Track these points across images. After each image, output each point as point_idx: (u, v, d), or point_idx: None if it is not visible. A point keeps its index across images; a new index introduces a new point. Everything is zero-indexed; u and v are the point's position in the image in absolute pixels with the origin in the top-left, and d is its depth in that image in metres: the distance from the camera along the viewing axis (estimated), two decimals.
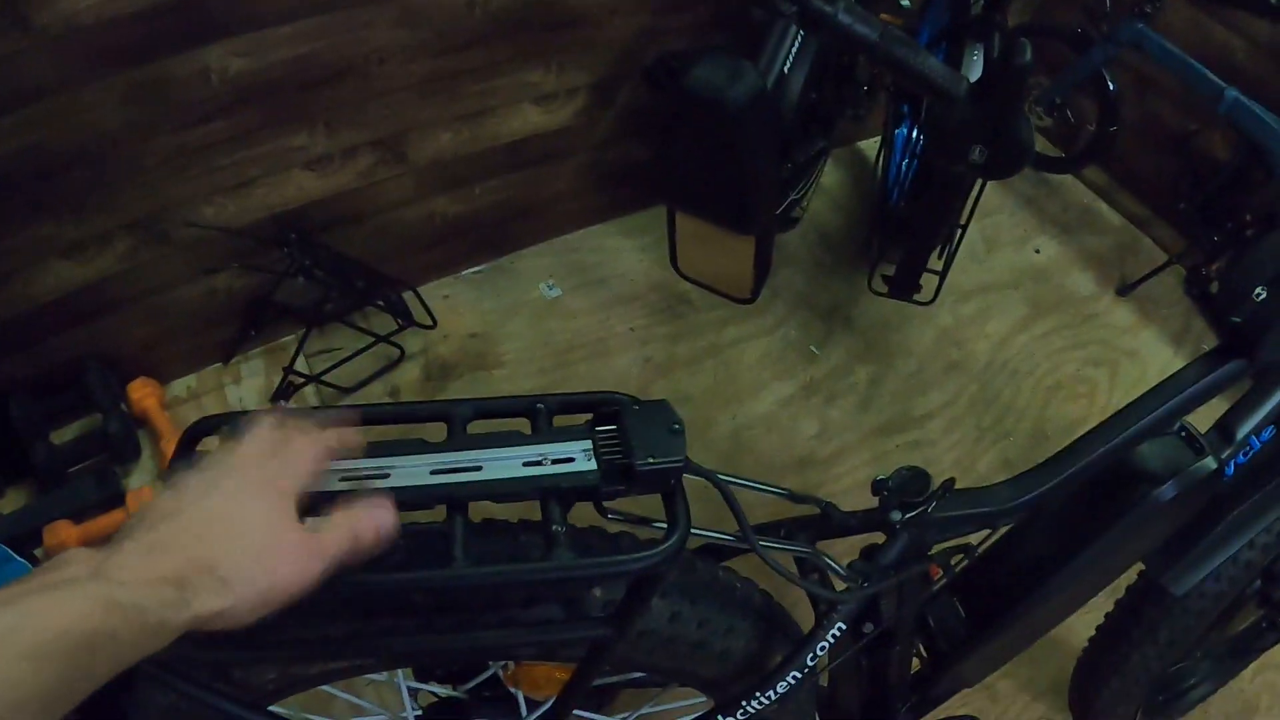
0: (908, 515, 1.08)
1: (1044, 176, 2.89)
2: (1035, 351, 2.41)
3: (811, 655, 1.10)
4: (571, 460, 0.78)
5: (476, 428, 0.83)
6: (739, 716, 1.12)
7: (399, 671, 1.19)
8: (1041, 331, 2.46)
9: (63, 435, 2.05)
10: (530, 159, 2.36)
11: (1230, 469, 1.24)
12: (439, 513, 0.77)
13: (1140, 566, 1.46)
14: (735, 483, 0.97)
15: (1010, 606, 1.34)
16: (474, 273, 2.45)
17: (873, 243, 2.40)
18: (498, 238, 2.49)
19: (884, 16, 2.18)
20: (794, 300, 2.45)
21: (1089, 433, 1.18)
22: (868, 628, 1.18)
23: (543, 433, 0.82)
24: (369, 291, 2.20)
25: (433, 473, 0.76)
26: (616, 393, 0.87)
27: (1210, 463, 1.20)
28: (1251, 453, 1.27)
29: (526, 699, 1.24)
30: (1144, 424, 1.16)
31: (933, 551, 1.17)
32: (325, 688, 1.05)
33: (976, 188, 2.12)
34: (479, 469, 0.77)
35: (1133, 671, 1.63)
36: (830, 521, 1.11)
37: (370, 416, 0.81)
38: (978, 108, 1.89)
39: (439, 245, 2.38)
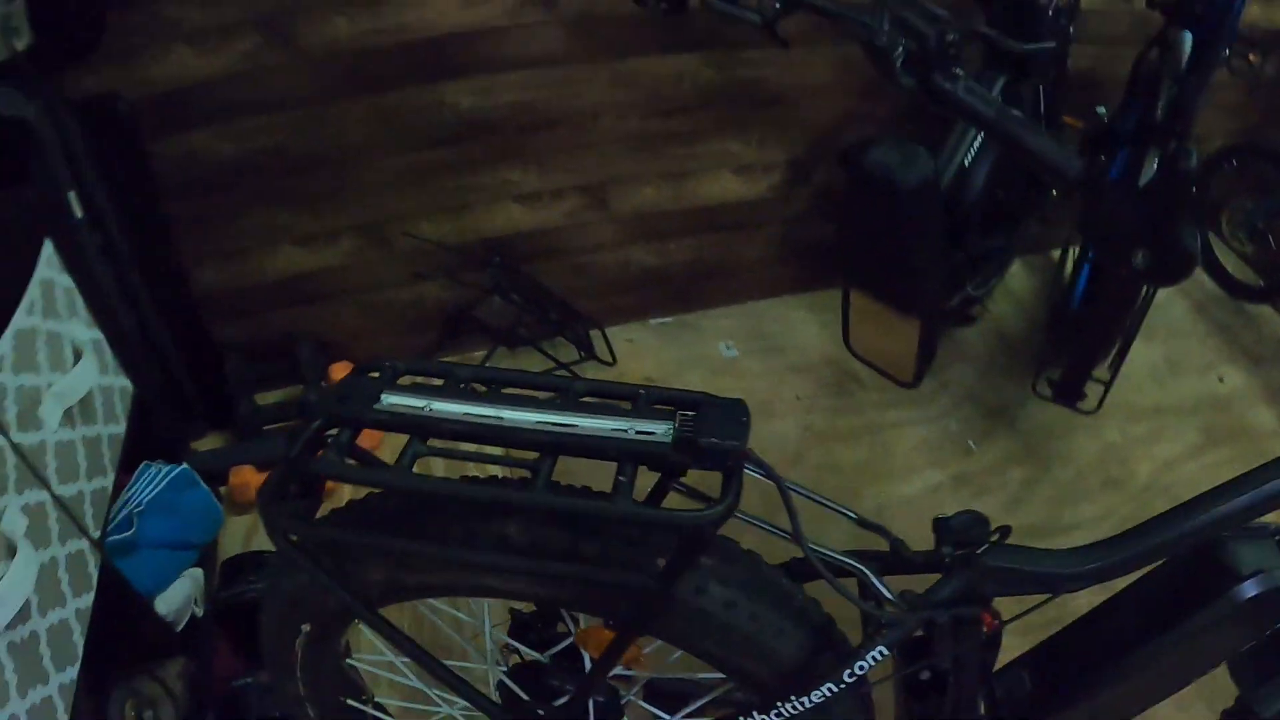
0: (958, 553, 1.18)
1: (1241, 305, 2.85)
2: (1201, 481, 2.38)
3: (850, 672, 1.15)
4: (652, 434, 0.94)
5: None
6: (772, 716, 1.20)
7: (489, 630, 1.40)
8: (1212, 461, 2.45)
9: (266, 398, 2.40)
10: (724, 224, 2.60)
11: None
12: None
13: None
14: (800, 491, 1.09)
15: (1076, 686, 1.38)
16: (660, 323, 2.69)
17: (1045, 345, 2.50)
18: (687, 294, 2.72)
19: (1068, 119, 2.34)
20: (961, 395, 2.56)
21: (1168, 512, 1.17)
22: (924, 674, 1.28)
23: (637, 412, 0.98)
24: (560, 323, 2.48)
25: (536, 422, 0.95)
26: (708, 394, 1.01)
27: None
28: None
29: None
30: (1225, 510, 1.15)
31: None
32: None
33: (1146, 296, 2.21)
34: (574, 426, 0.95)
35: None
36: (892, 554, 1.21)
37: (499, 378, 1.02)
38: (1142, 211, 2.02)
39: (630, 291, 2.63)
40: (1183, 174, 1.95)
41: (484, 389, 1.00)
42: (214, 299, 2.30)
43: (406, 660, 1.31)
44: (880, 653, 1.14)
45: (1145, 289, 2.18)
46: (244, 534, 2.17)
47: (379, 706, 1.54)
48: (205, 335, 2.31)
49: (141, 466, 1.86)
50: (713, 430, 0.94)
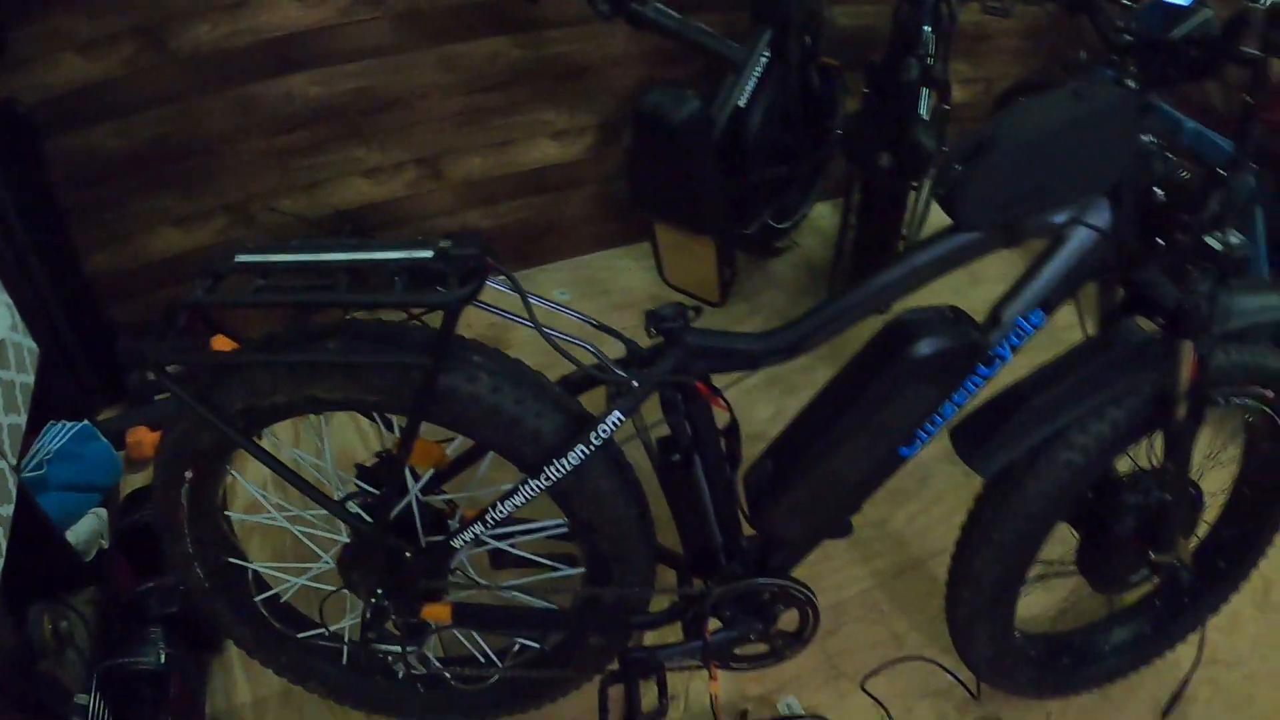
0: (663, 326, 1.55)
1: None
2: None
3: (596, 434, 1.51)
4: (419, 254, 1.38)
5: None
6: (541, 481, 1.54)
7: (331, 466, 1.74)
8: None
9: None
10: (548, 185, 3.12)
11: (1006, 350, 1.62)
12: None
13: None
14: (539, 300, 1.47)
15: (798, 463, 1.72)
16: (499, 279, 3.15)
17: (838, 263, 3.00)
18: (523, 252, 3.23)
19: (826, 60, 2.91)
20: (772, 314, 3.03)
21: (842, 292, 1.56)
22: (674, 457, 1.65)
23: (414, 245, 1.40)
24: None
25: (344, 258, 1.38)
26: (472, 231, 1.52)
27: (968, 333, 1.58)
28: (1025, 336, 1.62)
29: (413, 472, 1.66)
30: (883, 281, 1.55)
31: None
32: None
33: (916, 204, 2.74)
34: (369, 255, 1.39)
35: (978, 579, 1.90)
36: (628, 349, 1.60)
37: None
38: (882, 121, 2.56)
39: None
40: (906, 83, 2.52)
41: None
42: (107, 282, 2.70)
43: (278, 507, 1.75)
44: (617, 418, 1.52)
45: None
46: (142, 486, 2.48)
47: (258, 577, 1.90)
48: (98, 316, 2.71)
49: (47, 425, 2.32)
50: (463, 249, 1.38)
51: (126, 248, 2.70)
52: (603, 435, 1.54)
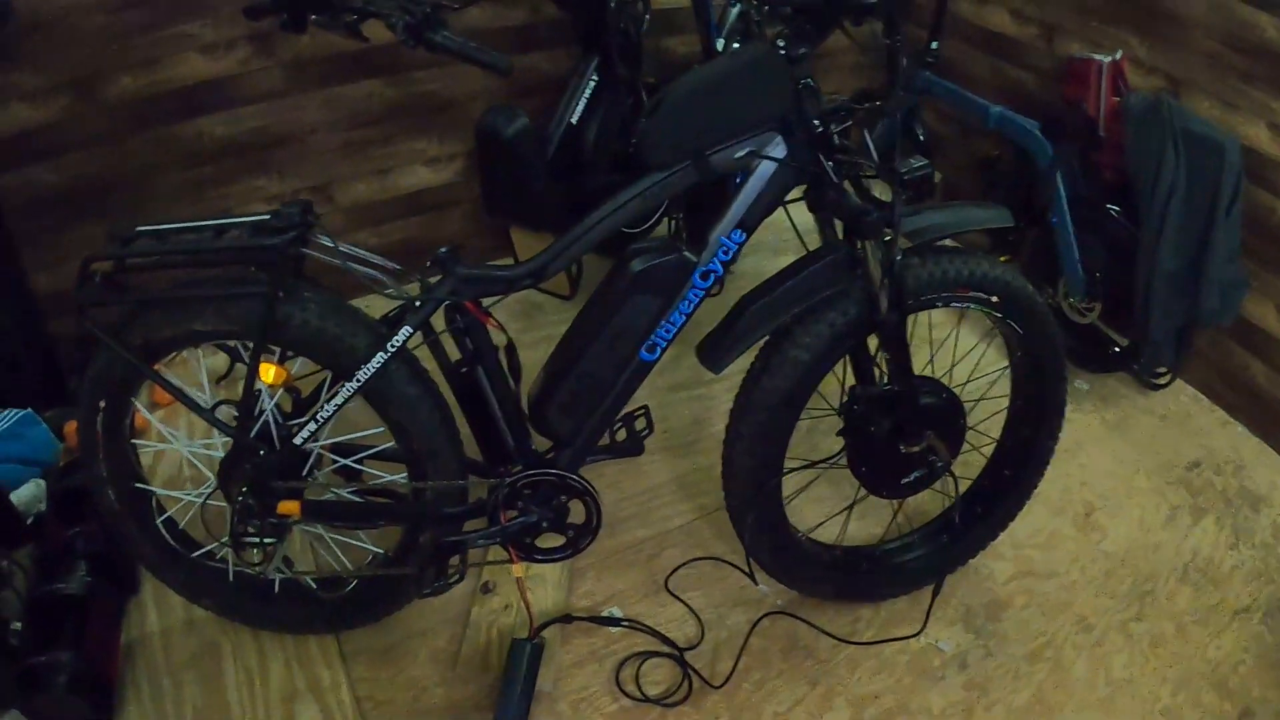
0: (439, 260, 1.91)
1: None
2: None
3: (390, 344, 1.88)
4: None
5: None
6: (354, 383, 1.90)
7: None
8: None
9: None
10: (426, 206, 3.52)
11: (717, 266, 1.97)
12: None
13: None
14: (349, 249, 1.90)
15: (560, 364, 2.05)
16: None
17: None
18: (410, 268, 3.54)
19: (648, 78, 3.30)
20: None
21: (581, 223, 1.91)
22: (464, 369, 1.98)
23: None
24: None
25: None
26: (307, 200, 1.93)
27: (677, 250, 1.95)
28: (731, 251, 1.97)
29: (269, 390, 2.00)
30: (598, 216, 1.90)
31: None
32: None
33: None
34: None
35: (737, 471, 2.20)
36: (420, 284, 1.93)
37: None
38: None
39: None
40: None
41: None
42: (51, 299, 3.02)
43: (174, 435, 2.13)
44: (407, 330, 1.89)
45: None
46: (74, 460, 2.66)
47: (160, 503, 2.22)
48: (41, 329, 3.01)
49: None
50: (290, 208, 1.88)
51: (64, 270, 2.95)
52: (397, 344, 1.90)
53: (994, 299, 2.18)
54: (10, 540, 2.39)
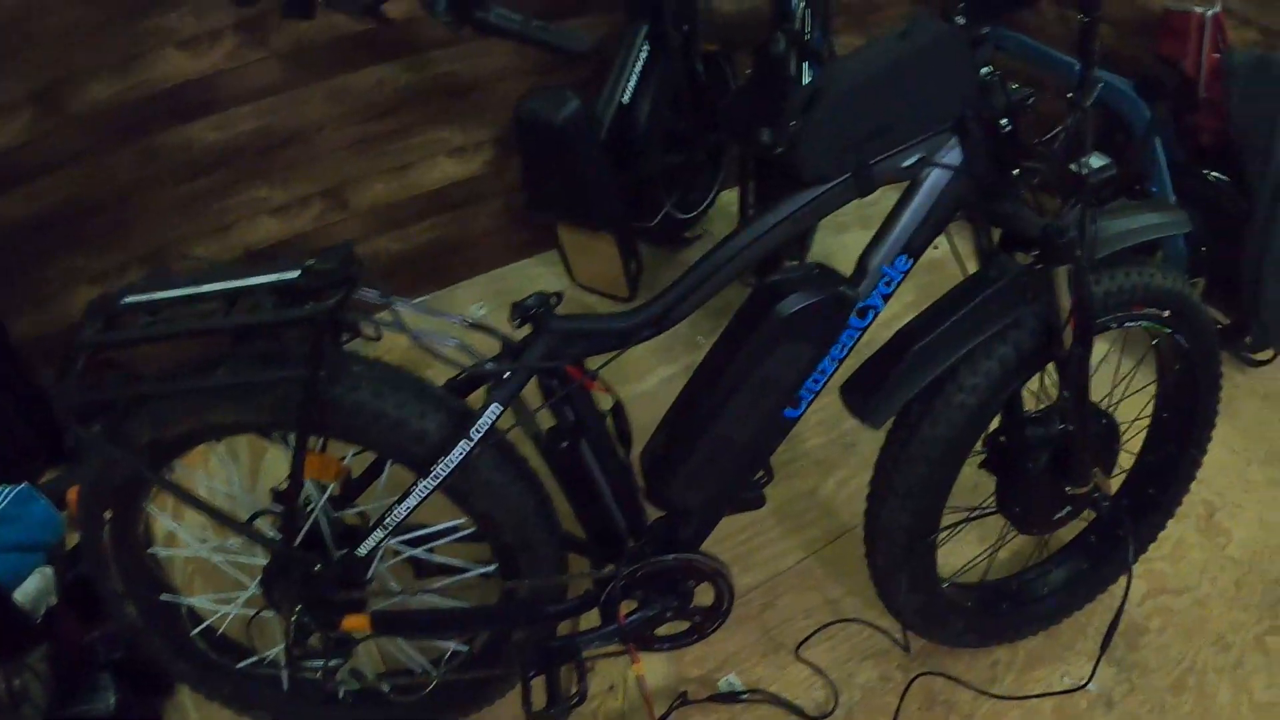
0: (528, 315, 1.53)
1: None
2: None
3: (476, 429, 1.50)
4: (287, 275, 1.42)
5: None
6: (430, 480, 1.53)
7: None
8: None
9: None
10: (452, 203, 3.09)
11: (878, 301, 1.60)
12: None
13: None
14: (409, 307, 1.51)
15: (687, 428, 1.69)
16: (420, 300, 3.13)
17: None
18: (437, 271, 3.20)
19: (708, 46, 2.83)
20: None
21: (701, 260, 1.56)
22: (562, 444, 1.63)
23: (284, 267, 1.45)
24: None
25: (224, 287, 1.43)
26: (337, 246, 1.49)
27: (833, 286, 1.55)
28: (894, 282, 1.60)
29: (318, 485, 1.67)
30: (739, 243, 1.54)
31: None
32: None
33: None
34: (245, 283, 1.43)
35: (889, 531, 1.87)
36: (502, 344, 1.58)
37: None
38: (757, 98, 2.50)
39: (389, 278, 3.08)
40: (775, 57, 2.46)
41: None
42: (33, 345, 2.65)
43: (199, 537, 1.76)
44: (495, 409, 1.51)
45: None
46: None
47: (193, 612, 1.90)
48: (29, 380, 2.63)
49: None
50: (326, 263, 1.42)
51: (48, 310, 2.67)
52: (482, 428, 1.52)
53: (1166, 314, 1.87)
54: (19, 646, 2.06)
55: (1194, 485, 2.51)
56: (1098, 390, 1.98)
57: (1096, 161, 1.74)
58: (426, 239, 3.13)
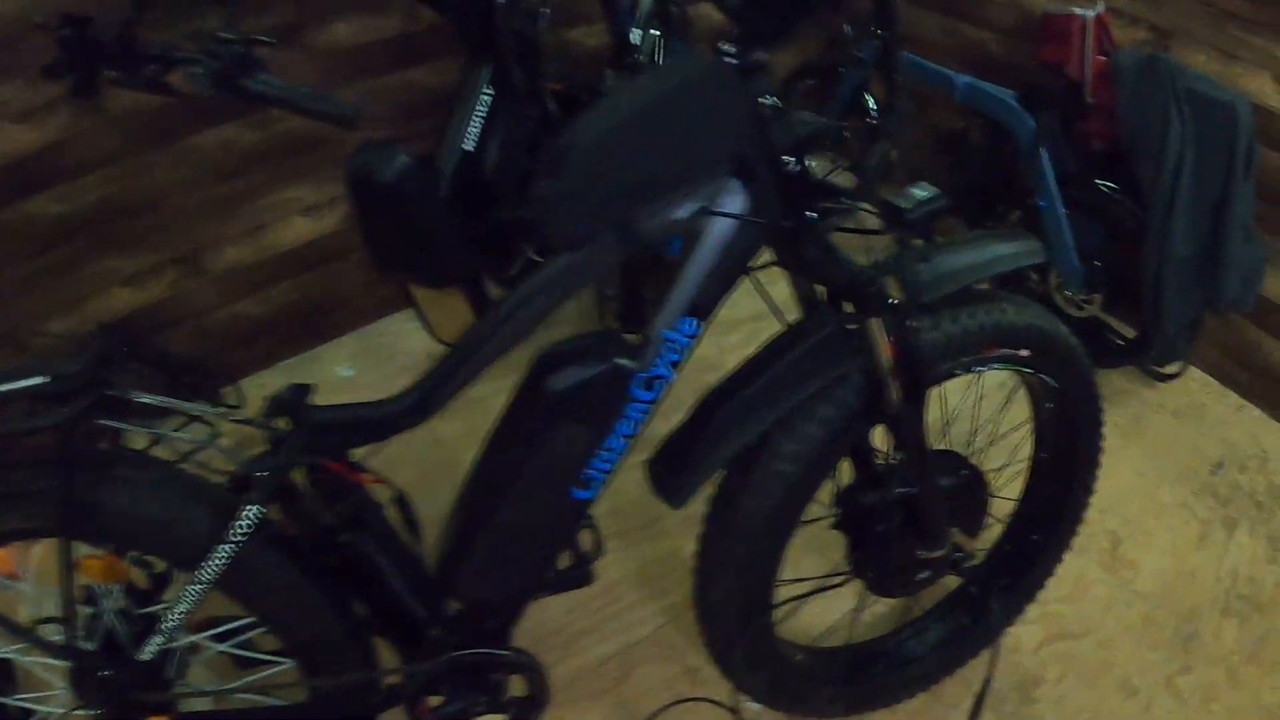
0: (280, 410, 1.39)
1: None
2: None
3: (233, 532, 1.37)
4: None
5: None
6: (197, 583, 1.40)
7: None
8: None
9: None
10: (312, 262, 2.92)
11: (665, 371, 1.40)
12: None
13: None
14: (164, 400, 1.38)
15: (472, 516, 1.52)
16: (285, 364, 2.97)
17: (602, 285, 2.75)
18: (302, 333, 3.02)
19: (553, 86, 2.67)
20: None
21: (464, 336, 1.39)
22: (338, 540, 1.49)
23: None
24: (192, 385, 2.72)
25: None
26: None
27: (609, 358, 1.36)
28: (683, 349, 1.41)
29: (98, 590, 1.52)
30: (499, 318, 1.36)
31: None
32: None
33: None
34: None
35: (721, 612, 1.72)
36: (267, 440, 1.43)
37: None
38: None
39: (252, 343, 2.91)
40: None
41: None
42: None
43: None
44: (254, 512, 1.37)
45: None
46: None
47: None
48: None
49: None
50: (71, 366, 1.28)
51: None
52: (242, 530, 1.38)
53: (1024, 353, 1.66)
54: None
55: (1097, 515, 2.44)
56: (960, 439, 1.87)
57: (921, 193, 1.56)
58: (287, 301, 2.97)
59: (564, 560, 1.76)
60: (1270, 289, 2.65)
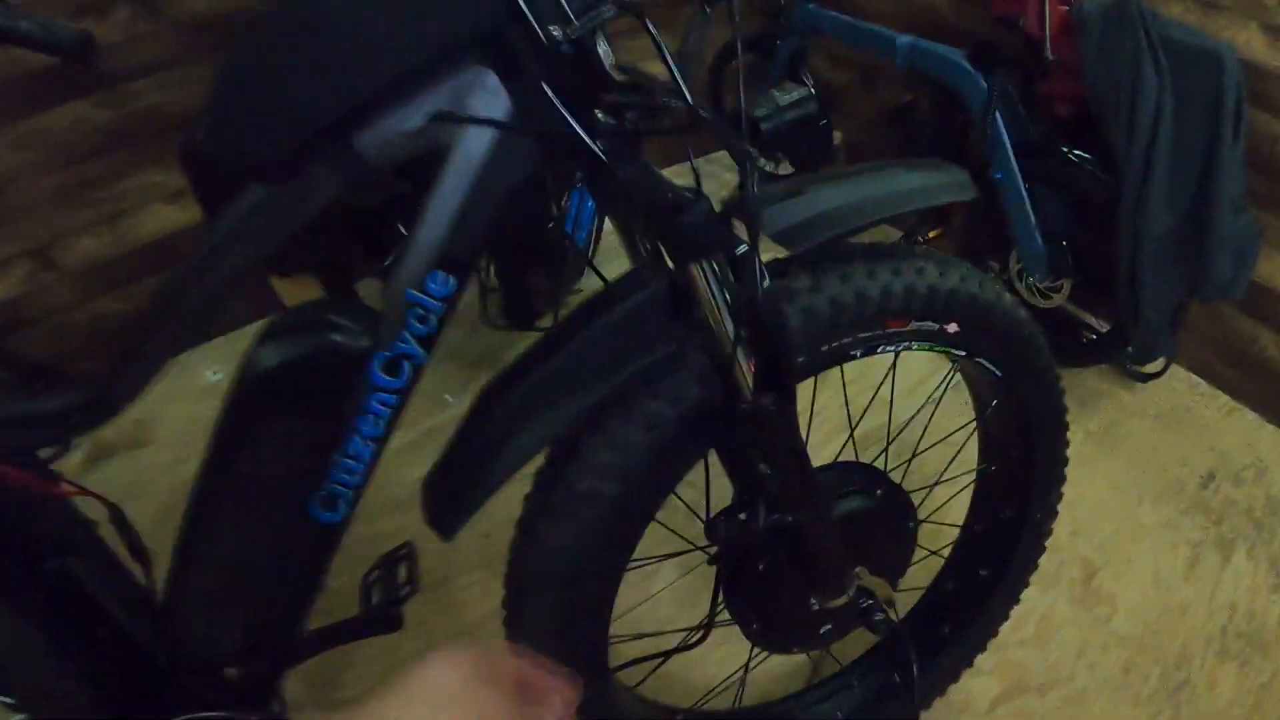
0: None
1: None
2: None
3: None
4: None
5: None
6: None
7: None
8: None
9: None
10: (176, 255, 2.62)
11: (413, 348, 1.06)
12: None
13: None
14: None
15: (185, 541, 1.21)
16: None
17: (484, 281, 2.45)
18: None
19: None
20: (441, 355, 2.49)
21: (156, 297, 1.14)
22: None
23: None
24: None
25: None
26: None
27: (332, 333, 1.05)
28: (431, 314, 1.05)
29: None
30: (197, 266, 1.09)
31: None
32: None
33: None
34: None
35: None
36: None
37: None
38: None
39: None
40: None
41: None
42: None
43: None
44: None
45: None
46: None
47: None
48: None
49: None
50: None
51: None
52: None
53: (950, 328, 1.25)
54: None
55: (1066, 539, 2.22)
56: (871, 447, 1.48)
57: (785, 96, 1.17)
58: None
59: (378, 594, 1.45)
60: (1264, 273, 2.36)
